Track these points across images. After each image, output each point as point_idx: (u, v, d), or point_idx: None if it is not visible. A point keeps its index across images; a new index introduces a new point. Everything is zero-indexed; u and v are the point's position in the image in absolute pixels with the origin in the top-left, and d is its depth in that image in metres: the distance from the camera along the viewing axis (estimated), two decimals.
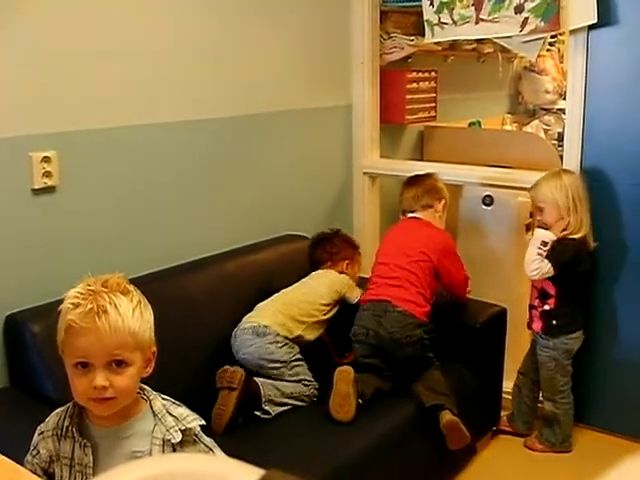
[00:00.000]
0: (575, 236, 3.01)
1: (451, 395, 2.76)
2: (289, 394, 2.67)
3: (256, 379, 2.63)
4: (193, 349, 2.68)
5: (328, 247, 3.19)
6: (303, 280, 3.04)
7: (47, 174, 2.44)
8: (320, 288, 2.98)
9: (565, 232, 3.02)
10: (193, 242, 2.98)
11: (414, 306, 2.85)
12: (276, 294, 2.94)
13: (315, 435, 2.51)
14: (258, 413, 2.60)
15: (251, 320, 2.80)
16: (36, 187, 2.43)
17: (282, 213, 3.41)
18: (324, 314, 2.94)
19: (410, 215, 3.15)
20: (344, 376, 2.64)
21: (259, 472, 0.68)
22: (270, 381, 2.68)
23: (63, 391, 2.26)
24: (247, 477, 0.68)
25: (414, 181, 3.23)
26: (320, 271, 3.12)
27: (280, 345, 2.75)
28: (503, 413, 3.37)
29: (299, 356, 2.79)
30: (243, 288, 2.94)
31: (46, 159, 2.43)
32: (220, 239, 3.08)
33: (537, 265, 3.02)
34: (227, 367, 2.58)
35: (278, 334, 2.76)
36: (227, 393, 2.52)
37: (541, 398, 3.25)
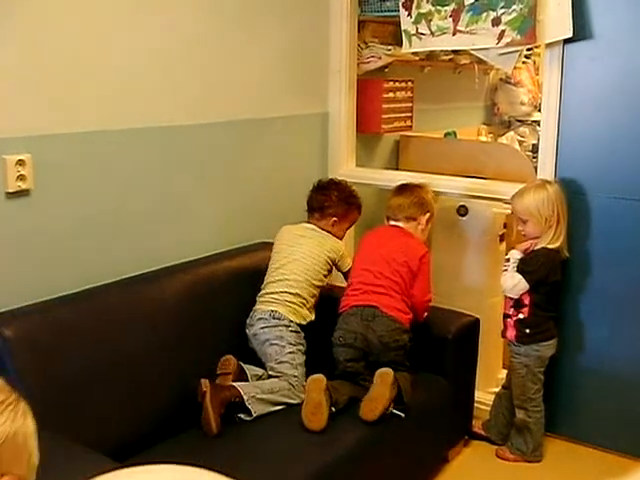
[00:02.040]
0: (550, 246, 3.05)
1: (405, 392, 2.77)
2: (268, 390, 2.67)
3: (236, 384, 2.64)
4: (153, 356, 2.63)
5: (322, 197, 3.20)
6: (299, 249, 3.05)
7: (21, 177, 2.42)
8: (318, 259, 3.03)
9: (540, 242, 3.06)
10: (166, 249, 2.95)
11: (400, 313, 2.90)
12: (282, 272, 2.99)
13: (287, 443, 2.51)
14: (242, 415, 2.60)
15: (269, 307, 2.91)
16: (10, 190, 2.40)
17: (257, 220, 3.40)
18: (323, 284, 3.08)
19: (392, 223, 3.16)
20: (317, 385, 2.64)
21: None
22: (247, 383, 2.70)
23: (33, 398, 2.26)
24: None
25: (403, 190, 3.21)
26: (309, 229, 3.13)
27: (292, 329, 2.88)
28: (475, 422, 3.39)
29: (303, 348, 2.89)
30: (216, 296, 2.93)
31: (20, 162, 2.41)
32: (194, 246, 3.07)
33: (513, 283, 3.06)
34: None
35: (291, 321, 2.89)
36: (203, 401, 2.53)
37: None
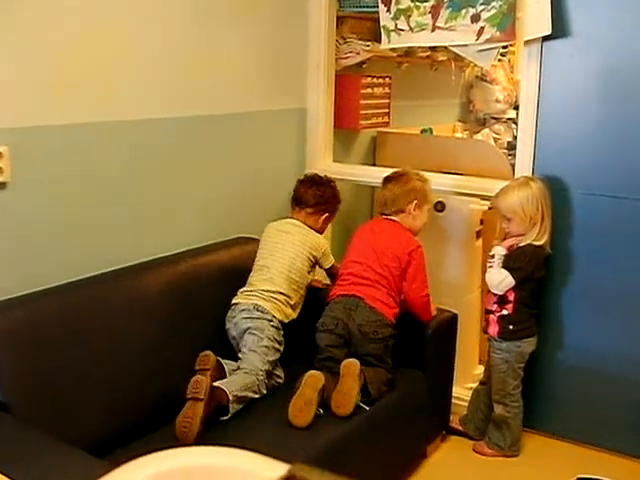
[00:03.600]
0: (535, 243, 3.06)
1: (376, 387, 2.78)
2: (243, 386, 2.65)
3: (217, 383, 2.60)
4: (138, 354, 2.61)
5: (319, 193, 3.21)
6: (282, 247, 3.04)
7: None
8: (301, 256, 3.03)
9: (525, 239, 3.08)
10: (145, 243, 2.93)
11: (384, 306, 2.92)
12: (266, 269, 2.98)
13: (266, 439, 2.49)
14: (225, 418, 2.57)
15: (252, 300, 2.90)
16: None
17: (234, 216, 3.38)
18: (307, 281, 3.08)
19: (385, 217, 3.18)
20: (313, 382, 2.63)
21: (284, 466, 0.67)
22: (225, 380, 2.67)
23: (13, 394, 2.23)
24: (272, 471, 0.67)
25: (386, 183, 3.23)
26: (295, 225, 3.13)
27: (273, 325, 2.87)
28: (452, 417, 3.40)
29: (280, 347, 2.87)
30: (195, 291, 2.91)
31: None
32: (173, 241, 3.04)
33: (490, 277, 3.08)
34: (198, 376, 2.53)
35: (274, 317, 2.89)
36: (192, 404, 2.45)
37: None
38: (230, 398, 2.56)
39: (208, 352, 2.70)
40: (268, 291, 2.93)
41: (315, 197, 3.20)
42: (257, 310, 2.88)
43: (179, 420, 2.42)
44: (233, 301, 2.96)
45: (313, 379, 2.64)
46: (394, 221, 3.14)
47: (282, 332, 2.91)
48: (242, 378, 2.70)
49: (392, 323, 2.94)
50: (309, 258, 3.07)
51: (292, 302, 2.98)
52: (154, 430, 2.50)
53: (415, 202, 3.14)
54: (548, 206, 3.09)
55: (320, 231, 3.21)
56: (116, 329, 2.55)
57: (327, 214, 3.22)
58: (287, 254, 3.03)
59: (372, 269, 2.97)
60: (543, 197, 3.07)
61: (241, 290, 2.98)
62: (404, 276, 3.01)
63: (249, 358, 2.79)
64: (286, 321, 2.95)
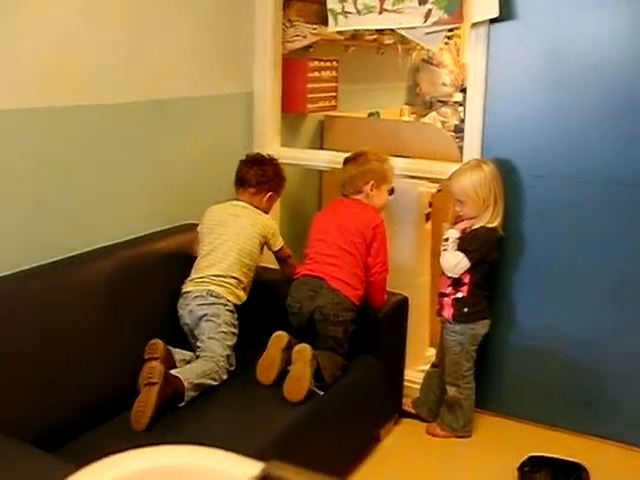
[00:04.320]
0: (488, 225, 3.08)
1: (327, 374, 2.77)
2: (201, 373, 2.64)
3: (172, 371, 2.57)
4: (81, 343, 2.55)
5: (260, 171, 3.20)
6: (231, 230, 3.01)
7: None
8: (251, 238, 3.02)
9: (478, 222, 3.09)
10: (91, 231, 2.86)
11: (348, 288, 2.94)
12: (215, 255, 2.96)
13: (220, 427, 2.48)
14: (180, 405, 2.55)
15: (205, 286, 2.88)
16: None
17: (181, 202, 3.32)
18: (256, 264, 3.07)
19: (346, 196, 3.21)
20: (276, 342, 2.77)
21: (257, 465, 0.65)
22: (181, 368, 2.65)
23: None
24: (244, 470, 0.65)
25: (345, 164, 3.25)
26: (243, 207, 3.11)
27: (228, 309, 2.87)
28: (405, 400, 3.41)
29: (236, 330, 2.88)
30: (143, 279, 2.86)
31: None
32: (119, 228, 2.98)
33: (446, 260, 3.09)
34: (151, 363, 2.52)
35: (229, 300, 2.88)
36: (147, 389, 2.43)
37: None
38: (186, 385, 2.54)
39: (156, 340, 2.67)
40: (218, 276, 2.90)
41: (257, 176, 3.18)
42: (211, 296, 2.86)
43: (134, 406, 2.42)
44: (184, 289, 2.93)
45: (277, 339, 2.78)
46: (354, 199, 3.16)
47: (237, 315, 2.90)
48: (201, 365, 2.69)
49: (355, 307, 2.94)
50: (259, 240, 3.05)
51: (243, 285, 2.97)
52: (104, 421, 2.47)
53: (372, 182, 3.15)
54: (500, 189, 3.10)
55: (265, 211, 3.18)
56: (64, 317, 2.49)
57: (271, 193, 3.19)
58: (237, 237, 2.99)
59: (337, 245, 2.99)
60: (495, 180, 3.08)
61: (190, 278, 2.95)
62: (369, 251, 3.02)
63: (209, 345, 2.77)
64: (239, 303, 2.93)
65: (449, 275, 3.14)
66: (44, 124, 2.64)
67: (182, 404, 2.55)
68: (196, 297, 2.87)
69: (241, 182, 3.21)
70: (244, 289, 2.98)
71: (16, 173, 2.56)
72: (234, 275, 2.93)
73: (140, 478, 0.71)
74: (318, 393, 2.70)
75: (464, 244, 3.09)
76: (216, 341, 2.78)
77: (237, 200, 3.17)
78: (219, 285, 2.89)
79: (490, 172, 3.08)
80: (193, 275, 2.95)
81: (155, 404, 2.41)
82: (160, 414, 2.44)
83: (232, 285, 2.91)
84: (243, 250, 2.98)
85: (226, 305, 2.87)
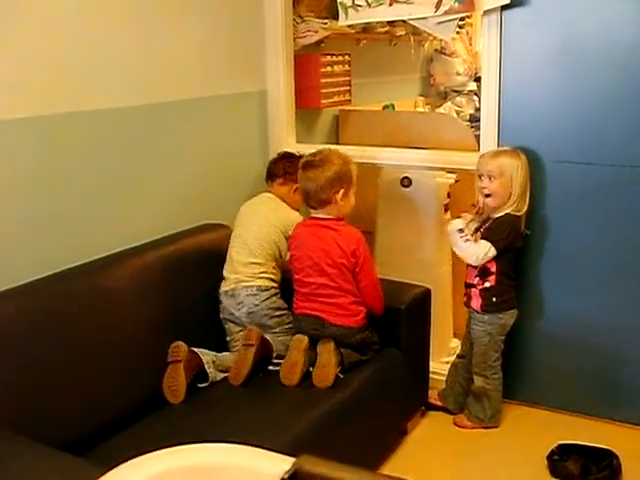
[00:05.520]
0: (515, 213, 3.06)
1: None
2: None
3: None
4: (108, 346, 2.56)
5: (287, 164, 3.28)
6: (253, 218, 3.12)
7: None
8: (268, 226, 3.08)
9: (501, 210, 3.07)
10: (107, 235, 2.86)
11: (349, 318, 2.88)
12: (243, 243, 3.05)
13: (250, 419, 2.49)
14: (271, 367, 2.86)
15: (246, 281, 3.00)
16: None
17: (200, 202, 3.33)
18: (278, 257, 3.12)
19: (313, 214, 2.97)
20: (297, 345, 2.80)
21: (289, 460, 0.65)
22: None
23: None
24: (276, 466, 0.64)
25: (307, 170, 2.92)
26: (269, 197, 3.22)
27: (279, 295, 3.05)
28: (431, 392, 3.40)
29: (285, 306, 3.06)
30: (164, 279, 2.87)
31: None
32: (138, 231, 2.98)
33: (474, 251, 3.06)
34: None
35: (273, 287, 3.04)
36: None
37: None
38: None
39: (179, 342, 2.71)
40: (249, 264, 3.01)
41: (284, 167, 3.27)
42: (262, 291, 3.00)
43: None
44: (226, 287, 3.03)
45: (298, 341, 2.81)
46: (323, 223, 2.91)
47: (279, 294, 3.05)
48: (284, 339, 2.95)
49: (363, 326, 2.92)
50: (278, 229, 3.06)
51: (262, 270, 3.04)
52: (128, 427, 2.48)
53: (342, 191, 2.87)
54: (528, 179, 3.09)
55: (295, 206, 3.22)
56: (88, 324, 2.51)
57: (297, 185, 3.11)
58: (257, 222, 3.08)
59: (325, 285, 2.86)
60: (527, 169, 3.08)
61: (226, 271, 3.06)
62: (356, 276, 2.89)
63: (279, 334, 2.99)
64: (278, 279, 3.08)
65: (473, 265, 3.12)
66: (56, 131, 2.65)
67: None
68: (248, 295, 2.99)
69: (269, 175, 3.32)
70: (267, 277, 3.04)
71: (32, 183, 2.57)
72: (254, 261, 3.02)
73: (173, 476, 0.70)
74: (339, 376, 2.79)
75: (490, 233, 3.06)
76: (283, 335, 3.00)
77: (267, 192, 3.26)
78: (258, 278, 3.01)
79: (525, 162, 3.07)
80: (230, 266, 3.06)
81: (252, 363, 2.75)
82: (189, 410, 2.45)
83: (267, 272, 3.04)
84: (258, 237, 3.03)
85: (277, 294, 3.04)
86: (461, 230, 3.11)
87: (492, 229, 3.08)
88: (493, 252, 3.05)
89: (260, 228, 3.06)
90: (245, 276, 2.99)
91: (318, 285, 2.88)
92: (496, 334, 3.17)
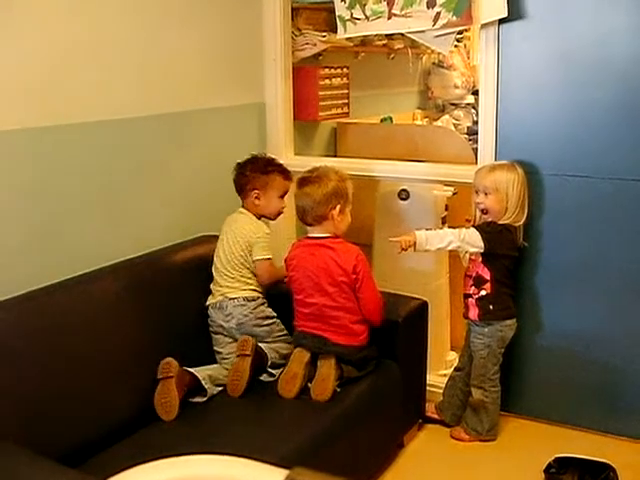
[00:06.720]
0: (509, 223, 3.07)
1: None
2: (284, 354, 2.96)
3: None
4: (103, 361, 2.56)
5: (240, 176, 3.13)
6: (229, 236, 3.07)
7: None
8: (235, 244, 3.04)
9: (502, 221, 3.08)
10: (106, 247, 2.87)
11: (352, 338, 2.88)
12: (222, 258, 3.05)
13: (245, 433, 2.48)
14: (263, 377, 2.91)
15: (231, 293, 2.99)
16: None
17: (198, 214, 3.33)
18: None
19: (309, 234, 2.96)
20: (298, 358, 2.82)
21: (282, 472, 0.65)
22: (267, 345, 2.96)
23: None
24: (271, 477, 0.64)
25: (303, 186, 2.92)
26: (241, 212, 3.13)
27: (266, 305, 3.06)
28: (428, 405, 3.39)
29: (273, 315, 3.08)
30: (159, 292, 2.88)
31: None
32: (133, 243, 2.98)
33: (449, 231, 3.10)
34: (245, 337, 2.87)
35: (259, 296, 3.04)
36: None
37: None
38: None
39: (169, 359, 2.69)
40: (229, 278, 3.01)
41: (238, 182, 3.13)
42: (248, 301, 2.99)
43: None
44: (213, 300, 3.02)
45: (299, 354, 2.83)
46: (320, 242, 2.90)
47: (266, 303, 3.07)
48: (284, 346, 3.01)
49: (364, 345, 2.91)
50: (244, 246, 3.02)
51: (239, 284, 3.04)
52: (121, 439, 2.47)
53: (338, 207, 2.88)
54: (526, 193, 3.09)
55: (268, 211, 3.12)
56: (79, 336, 2.50)
57: (256, 191, 3.07)
58: (227, 238, 3.05)
59: (327, 305, 2.86)
60: (525, 183, 3.08)
61: (213, 283, 3.05)
62: (357, 294, 2.88)
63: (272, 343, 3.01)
64: (262, 289, 3.06)
65: (458, 245, 3.06)
66: (56, 142, 2.65)
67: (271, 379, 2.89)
68: (236, 306, 2.98)
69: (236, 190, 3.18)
70: (250, 288, 3.03)
71: (30, 194, 2.58)
72: (231, 275, 3.02)
73: None
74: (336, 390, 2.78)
75: (481, 228, 3.07)
76: (276, 342, 3.04)
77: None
78: (242, 288, 3.01)
79: (522, 175, 3.07)
80: (217, 278, 3.06)
81: (250, 374, 2.78)
82: (182, 424, 2.46)
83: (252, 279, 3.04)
84: (232, 253, 3.02)
85: (263, 303, 3.05)
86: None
87: (483, 227, 3.08)
88: (480, 242, 3.02)
89: (229, 244, 3.03)
90: (229, 289, 2.99)
91: (320, 306, 2.87)
92: (495, 347, 3.16)
